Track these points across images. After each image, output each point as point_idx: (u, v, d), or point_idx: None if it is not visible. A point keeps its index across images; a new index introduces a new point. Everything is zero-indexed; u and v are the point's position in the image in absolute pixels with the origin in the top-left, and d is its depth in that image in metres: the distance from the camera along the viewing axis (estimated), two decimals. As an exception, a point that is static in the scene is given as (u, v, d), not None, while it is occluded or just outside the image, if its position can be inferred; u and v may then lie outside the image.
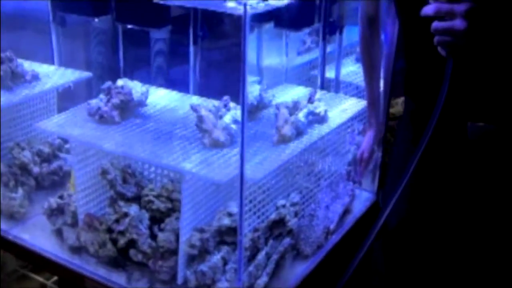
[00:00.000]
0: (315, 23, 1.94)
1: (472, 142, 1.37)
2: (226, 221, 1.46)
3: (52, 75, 1.95)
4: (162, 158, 1.46)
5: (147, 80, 2.00)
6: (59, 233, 1.70)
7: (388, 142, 1.92)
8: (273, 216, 1.53)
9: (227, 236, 1.48)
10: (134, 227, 1.52)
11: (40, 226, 1.74)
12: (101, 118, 1.62)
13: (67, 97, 1.94)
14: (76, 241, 1.63)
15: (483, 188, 1.41)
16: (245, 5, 1.14)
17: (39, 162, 1.89)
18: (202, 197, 1.48)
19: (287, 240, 1.53)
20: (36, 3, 2.15)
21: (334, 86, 2.10)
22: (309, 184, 1.69)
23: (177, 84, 2.03)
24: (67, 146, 1.96)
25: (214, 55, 2.40)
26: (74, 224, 1.66)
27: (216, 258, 1.45)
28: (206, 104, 1.60)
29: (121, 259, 1.57)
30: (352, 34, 2.03)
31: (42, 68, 1.98)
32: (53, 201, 1.70)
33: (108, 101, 1.65)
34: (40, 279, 2.28)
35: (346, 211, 1.81)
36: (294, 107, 1.63)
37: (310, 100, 1.67)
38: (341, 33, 2.04)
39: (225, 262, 1.46)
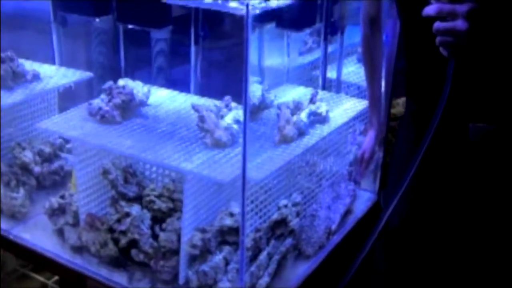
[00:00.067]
0: (316, 23, 1.95)
1: (473, 143, 1.37)
2: (228, 221, 1.46)
3: (53, 75, 1.95)
4: (163, 158, 1.46)
5: (149, 80, 2.01)
6: (60, 233, 1.70)
7: (389, 142, 1.92)
8: (275, 216, 1.53)
9: (228, 236, 1.48)
10: (136, 227, 1.52)
11: (41, 226, 1.74)
12: (103, 118, 1.62)
13: (68, 97, 1.94)
14: (77, 241, 1.63)
15: (484, 188, 1.41)
16: (247, 5, 1.14)
17: (40, 162, 1.89)
18: (204, 197, 1.48)
19: (289, 240, 1.53)
20: (37, 3, 2.15)
21: (336, 86, 2.10)
22: (311, 184, 1.69)
23: (179, 84, 2.03)
24: (68, 146, 1.96)
25: (215, 55, 2.40)
26: (75, 224, 1.66)
27: (217, 258, 1.45)
28: (208, 104, 1.61)
29: (122, 259, 1.57)
30: (353, 34, 2.03)
31: (43, 68, 1.98)
32: (54, 201, 1.70)
33: (109, 101, 1.64)
34: (41, 278, 2.28)
35: (348, 211, 1.81)
36: (295, 108, 1.63)
37: (312, 100, 1.68)
38: (342, 33, 2.04)
39: (226, 262, 1.46)
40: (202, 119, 1.51)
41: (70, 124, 1.63)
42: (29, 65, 1.93)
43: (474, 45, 1.14)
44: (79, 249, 1.64)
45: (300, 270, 1.57)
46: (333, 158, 1.77)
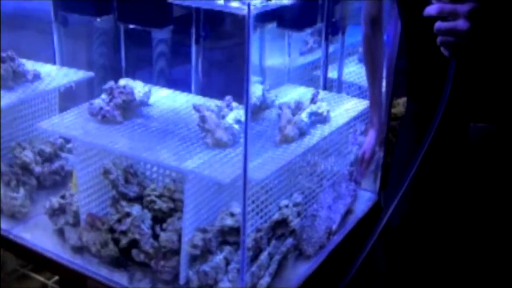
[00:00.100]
0: (317, 23, 1.95)
1: (474, 143, 1.37)
2: (229, 221, 1.46)
3: (54, 75, 1.95)
4: (164, 158, 1.46)
5: (149, 80, 2.01)
6: (60, 233, 1.70)
7: (390, 142, 1.92)
8: (275, 216, 1.53)
9: (229, 236, 1.47)
10: (136, 227, 1.52)
11: (41, 226, 1.74)
12: (103, 118, 1.62)
13: (68, 97, 1.94)
14: (78, 241, 1.63)
15: (485, 188, 1.41)
16: (249, 5, 1.14)
17: (41, 161, 1.89)
18: (205, 197, 1.48)
19: (289, 241, 1.53)
20: (38, 3, 2.15)
21: (337, 86, 2.10)
22: (312, 184, 1.69)
23: (179, 84, 2.03)
24: (69, 145, 1.96)
25: (216, 55, 2.40)
26: (76, 224, 1.66)
27: (218, 258, 1.45)
28: (209, 104, 1.60)
29: (123, 259, 1.57)
30: (354, 34, 2.03)
31: (44, 68, 1.98)
32: (55, 200, 1.70)
33: (110, 101, 1.64)
34: (41, 278, 2.28)
35: (348, 211, 1.81)
36: (296, 108, 1.63)
37: (313, 100, 1.68)
38: (343, 33, 2.04)
39: (227, 262, 1.46)
40: (203, 119, 1.51)
41: (71, 124, 1.63)
42: (29, 65, 1.93)
43: (475, 45, 1.14)
44: (79, 249, 1.63)
45: (301, 270, 1.57)
46: (334, 158, 1.77)
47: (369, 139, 1.83)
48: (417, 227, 1.52)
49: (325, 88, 2.02)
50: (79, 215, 1.64)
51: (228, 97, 1.62)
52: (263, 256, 1.47)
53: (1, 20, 1.92)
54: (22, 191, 1.79)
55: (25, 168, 1.85)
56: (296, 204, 1.57)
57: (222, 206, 1.53)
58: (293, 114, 1.59)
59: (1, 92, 1.77)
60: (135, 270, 1.56)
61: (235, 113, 1.55)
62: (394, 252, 1.60)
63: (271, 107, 1.71)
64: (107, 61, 2.33)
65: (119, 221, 1.55)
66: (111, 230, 1.57)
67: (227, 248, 1.47)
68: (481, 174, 1.40)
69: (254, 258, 1.47)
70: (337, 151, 1.78)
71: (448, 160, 1.43)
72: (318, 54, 2.15)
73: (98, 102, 1.65)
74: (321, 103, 1.67)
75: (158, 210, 1.57)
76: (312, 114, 1.62)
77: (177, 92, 1.84)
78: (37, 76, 1.90)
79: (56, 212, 1.70)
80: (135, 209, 1.54)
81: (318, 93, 1.72)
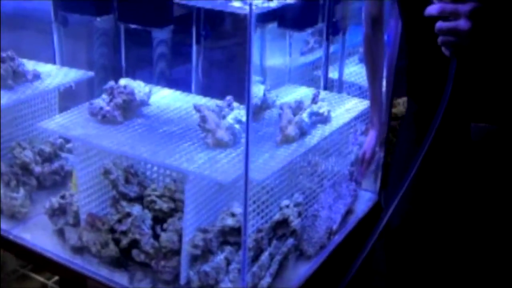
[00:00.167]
0: (318, 23, 1.95)
1: (475, 142, 1.37)
2: (230, 222, 1.46)
3: (54, 75, 1.95)
4: (164, 158, 1.45)
5: (150, 80, 2.00)
6: (60, 233, 1.69)
7: (391, 142, 1.92)
8: (276, 217, 1.53)
9: (230, 236, 1.47)
10: (137, 227, 1.52)
11: (41, 226, 1.74)
12: (104, 118, 1.62)
13: (69, 97, 1.94)
14: (78, 241, 1.63)
15: (485, 188, 1.41)
16: (250, 4, 1.13)
17: (41, 161, 1.89)
18: (205, 197, 1.48)
19: (290, 241, 1.53)
20: (38, 3, 2.15)
21: (337, 86, 2.10)
22: (312, 184, 1.69)
23: (180, 84, 2.03)
24: (68, 145, 1.96)
25: (216, 54, 2.39)
26: (76, 224, 1.66)
27: (219, 259, 1.45)
28: (209, 104, 1.60)
29: (123, 259, 1.57)
30: (355, 34, 2.03)
31: (44, 68, 1.98)
32: (55, 201, 1.70)
33: (110, 101, 1.64)
34: (41, 279, 2.28)
35: (349, 212, 1.81)
36: (297, 108, 1.63)
37: (314, 100, 1.67)
38: (344, 33, 2.04)
39: (228, 262, 1.46)
40: (203, 119, 1.51)
41: (71, 124, 1.63)
42: (29, 65, 1.93)
43: (476, 45, 1.14)
44: (79, 249, 1.63)
45: (302, 270, 1.57)
46: (335, 158, 1.77)
47: (370, 139, 1.83)
48: (417, 227, 1.51)
49: (325, 88, 2.02)
50: (79, 215, 1.64)
51: (228, 97, 1.62)
52: (264, 256, 1.47)
53: (1, 20, 1.92)
54: (22, 191, 1.79)
55: (25, 168, 1.85)
56: (297, 204, 1.57)
57: (222, 206, 1.52)
58: (294, 114, 1.59)
59: (1, 92, 1.77)
60: (135, 270, 1.56)
61: (236, 113, 1.54)
62: (394, 252, 1.59)
63: (272, 107, 1.70)
64: (107, 61, 2.33)
65: (119, 221, 1.55)
66: (112, 230, 1.57)
67: (228, 248, 1.47)
68: (482, 174, 1.40)
69: (255, 258, 1.47)
70: (338, 151, 1.78)
71: (448, 160, 1.43)
72: (318, 54, 2.15)
73: (98, 102, 1.65)
74: (322, 103, 1.67)
75: (158, 210, 1.56)
76: (313, 114, 1.62)
77: (178, 92, 1.84)
78: (37, 76, 1.90)
79: (56, 212, 1.70)
80: (136, 209, 1.54)
81: (319, 93, 1.72)
